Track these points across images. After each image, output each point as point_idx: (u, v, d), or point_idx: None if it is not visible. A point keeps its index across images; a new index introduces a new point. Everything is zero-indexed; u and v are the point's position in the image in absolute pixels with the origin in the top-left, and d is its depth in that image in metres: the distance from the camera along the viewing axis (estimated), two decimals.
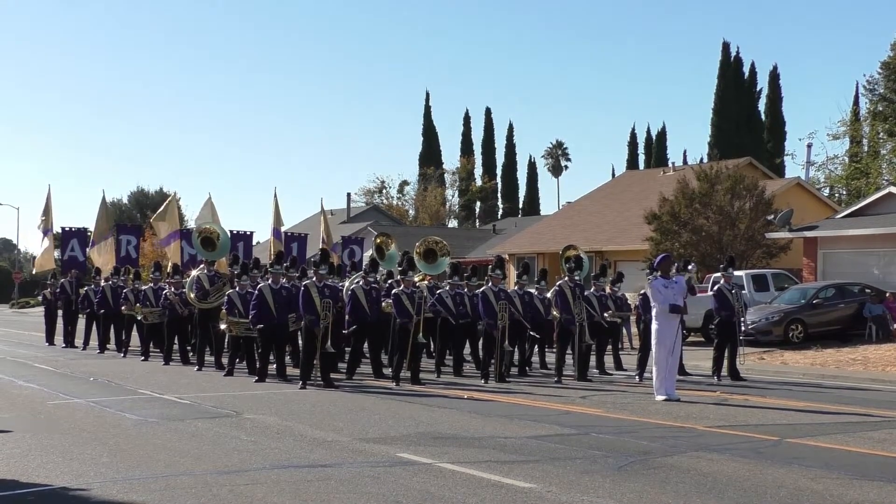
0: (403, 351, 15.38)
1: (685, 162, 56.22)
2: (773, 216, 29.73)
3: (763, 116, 64.18)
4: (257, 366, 16.04)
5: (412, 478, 7.81)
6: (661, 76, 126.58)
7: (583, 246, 23.18)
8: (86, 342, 23.38)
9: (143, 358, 20.12)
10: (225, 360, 17.49)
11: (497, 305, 15.66)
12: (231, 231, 23.85)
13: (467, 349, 17.70)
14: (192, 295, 18.66)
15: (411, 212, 77.11)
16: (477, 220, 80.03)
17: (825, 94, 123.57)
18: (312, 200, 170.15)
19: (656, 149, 74.41)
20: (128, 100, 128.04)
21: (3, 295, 68.63)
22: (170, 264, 22.63)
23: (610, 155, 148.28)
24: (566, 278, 16.78)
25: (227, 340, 17.75)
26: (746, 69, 63.83)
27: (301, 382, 14.65)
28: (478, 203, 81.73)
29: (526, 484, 7.55)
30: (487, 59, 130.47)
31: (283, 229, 28.54)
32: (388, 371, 16.26)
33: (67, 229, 27.72)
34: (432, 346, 17.91)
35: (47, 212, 28.68)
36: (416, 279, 17.06)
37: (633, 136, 78.61)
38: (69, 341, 24.00)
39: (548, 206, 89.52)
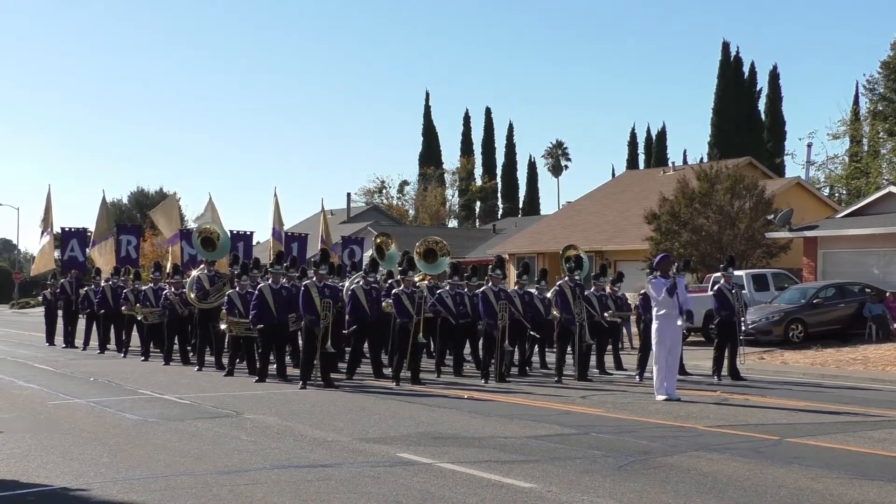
0: (403, 351, 15.37)
1: (685, 162, 56.21)
2: (773, 216, 29.70)
3: (763, 116, 64.19)
4: (257, 366, 16.04)
5: (412, 478, 7.81)
6: (661, 76, 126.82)
7: (583, 246, 23.17)
8: (86, 342, 23.38)
9: (143, 358, 20.12)
10: (225, 361, 17.50)
11: (497, 305, 15.65)
12: (231, 231, 23.87)
13: (467, 349, 17.69)
14: (193, 295, 18.66)
15: (411, 212, 77.07)
16: (477, 220, 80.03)
17: (825, 94, 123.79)
18: (312, 200, 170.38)
19: (656, 149, 74.42)
20: (128, 100, 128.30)
21: (3, 295, 68.59)
22: (170, 264, 22.65)
23: (610, 155, 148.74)
24: (566, 278, 16.77)
25: (227, 340, 17.76)
26: (746, 69, 63.85)
27: (301, 382, 14.65)
28: (478, 203, 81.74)
29: (526, 484, 7.55)
30: (487, 59, 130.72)
31: (283, 230, 28.55)
32: (388, 371, 16.26)
33: (67, 229, 27.70)
34: (432, 346, 17.91)
35: (47, 212, 28.69)
36: (416, 279, 17.05)
37: (633, 135, 78.67)
38: (69, 341, 23.99)
39: (548, 206, 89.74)
